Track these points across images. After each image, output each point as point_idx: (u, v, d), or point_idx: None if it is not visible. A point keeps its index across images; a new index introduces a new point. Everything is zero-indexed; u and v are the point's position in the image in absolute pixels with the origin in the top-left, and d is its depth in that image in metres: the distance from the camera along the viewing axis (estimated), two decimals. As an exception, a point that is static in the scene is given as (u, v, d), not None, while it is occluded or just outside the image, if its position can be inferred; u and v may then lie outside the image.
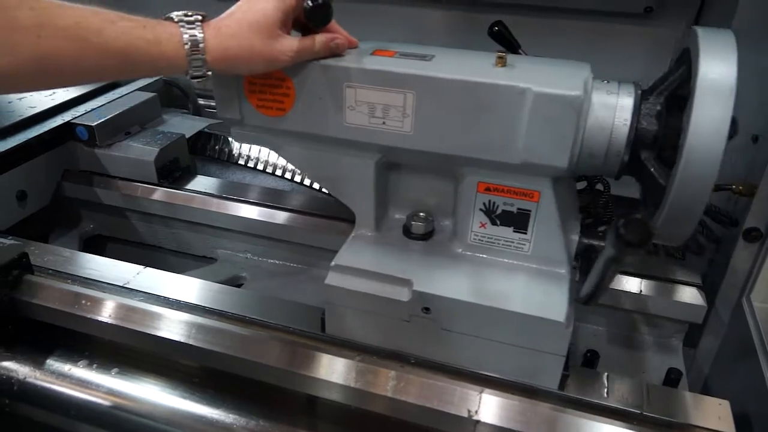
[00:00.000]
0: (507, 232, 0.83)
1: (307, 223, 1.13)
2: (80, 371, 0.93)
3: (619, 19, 1.28)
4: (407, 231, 0.89)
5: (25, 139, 1.17)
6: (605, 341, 1.06)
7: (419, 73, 0.74)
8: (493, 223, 0.83)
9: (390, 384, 0.76)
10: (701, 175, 0.66)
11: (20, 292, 0.93)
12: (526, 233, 0.82)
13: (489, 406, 0.73)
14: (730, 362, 0.99)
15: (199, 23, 0.68)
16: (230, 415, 0.85)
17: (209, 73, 0.70)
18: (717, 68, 0.65)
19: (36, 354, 0.95)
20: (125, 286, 0.95)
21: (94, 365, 0.93)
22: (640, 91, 0.73)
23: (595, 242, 0.86)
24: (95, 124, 1.21)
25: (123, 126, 1.28)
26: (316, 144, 0.84)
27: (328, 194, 1.19)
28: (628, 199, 1.04)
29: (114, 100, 1.34)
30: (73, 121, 1.23)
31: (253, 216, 1.18)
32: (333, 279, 0.83)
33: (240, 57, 0.71)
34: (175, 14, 0.69)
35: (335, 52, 0.77)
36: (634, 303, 1.02)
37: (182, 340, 0.85)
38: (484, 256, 0.85)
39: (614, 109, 0.72)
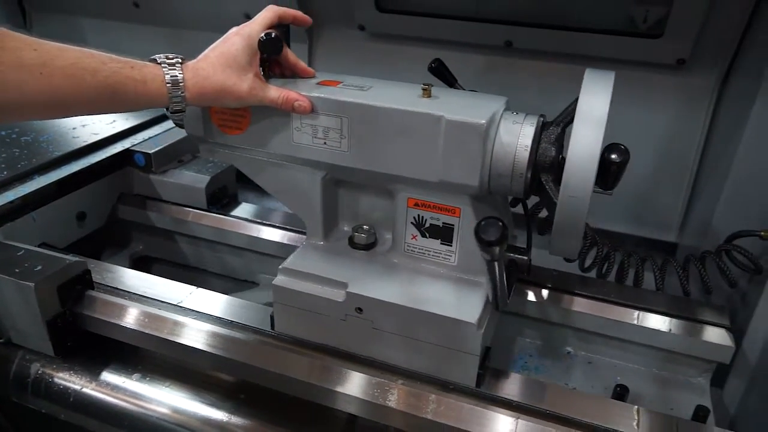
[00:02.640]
0: (435, 244, 0.93)
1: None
2: (134, 384, 0.99)
3: (653, 70, 1.33)
4: (351, 241, 1.00)
5: (87, 164, 1.25)
6: (635, 377, 1.09)
7: (353, 101, 0.86)
8: (423, 236, 0.93)
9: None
10: (578, 192, 0.75)
11: (81, 306, 0.99)
12: (451, 245, 0.92)
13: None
14: (758, 403, 1.01)
15: (179, 64, 0.81)
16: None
17: (185, 108, 0.82)
18: (591, 102, 0.76)
19: (92, 366, 1.02)
20: (179, 305, 1.00)
21: (147, 378, 0.99)
22: (542, 122, 0.84)
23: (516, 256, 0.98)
24: (153, 151, 1.31)
25: (176, 154, 1.38)
26: (270, 160, 0.96)
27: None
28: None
29: (168, 129, 1.43)
30: (131, 148, 1.31)
31: (288, 242, 1.26)
32: (280, 281, 0.95)
33: (213, 95, 0.83)
34: (158, 57, 0.81)
35: (295, 111, 0.87)
36: (663, 341, 1.05)
37: (232, 357, 0.92)
38: (417, 265, 0.95)
39: (517, 136, 0.82)
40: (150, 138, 1.41)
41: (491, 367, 0.94)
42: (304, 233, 1.25)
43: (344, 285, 0.91)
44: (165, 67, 0.79)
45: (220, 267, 1.38)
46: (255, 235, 1.29)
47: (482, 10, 1.45)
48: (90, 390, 1.01)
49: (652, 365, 1.11)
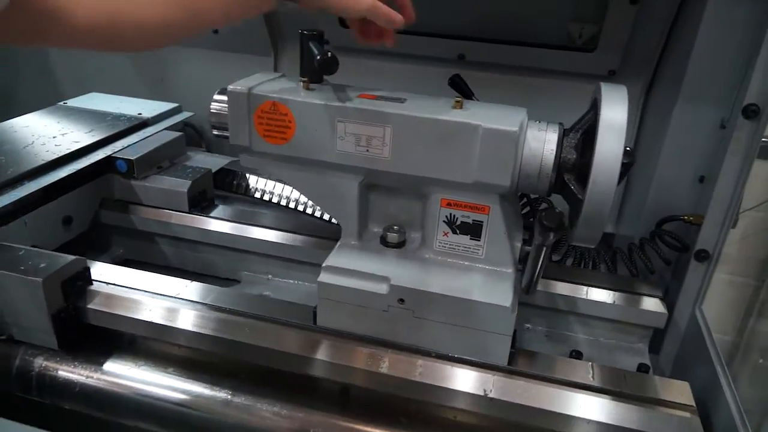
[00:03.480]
0: (465, 239, 1.05)
1: (322, 246, 1.28)
2: (136, 372, 1.07)
3: (587, 80, 1.51)
4: (384, 240, 1.11)
5: (72, 171, 1.31)
6: (586, 345, 1.25)
7: (396, 112, 0.97)
8: (454, 233, 1.05)
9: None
10: (604, 189, 0.89)
11: (83, 300, 1.07)
12: (479, 240, 1.05)
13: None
14: (688, 363, 1.18)
15: None
16: (273, 407, 1.01)
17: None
18: (613, 113, 0.90)
19: (95, 357, 1.09)
20: (177, 297, 1.08)
21: (149, 366, 1.06)
22: (563, 129, 0.98)
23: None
24: (134, 158, 1.39)
25: (156, 161, 1.46)
26: (311, 168, 1.07)
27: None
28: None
29: (146, 138, 1.51)
30: (113, 155, 1.37)
31: (273, 239, 1.35)
32: (325, 277, 1.05)
33: None
34: None
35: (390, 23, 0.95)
36: (607, 312, 1.21)
37: (233, 339, 1.03)
38: (448, 259, 1.07)
39: (543, 141, 0.96)
40: (129, 146, 1.47)
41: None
42: (285, 231, 1.37)
43: (387, 279, 1.01)
44: None
45: (202, 266, 1.45)
46: (236, 233, 1.38)
47: (436, 25, 1.61)
48: (94, 381, 1.07)
49: (600, 335, 1.27)
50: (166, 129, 1.61)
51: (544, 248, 0.92)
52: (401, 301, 1.02)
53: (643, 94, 1.54)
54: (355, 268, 1.04)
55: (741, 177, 1.12)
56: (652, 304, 1.21)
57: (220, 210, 1.46)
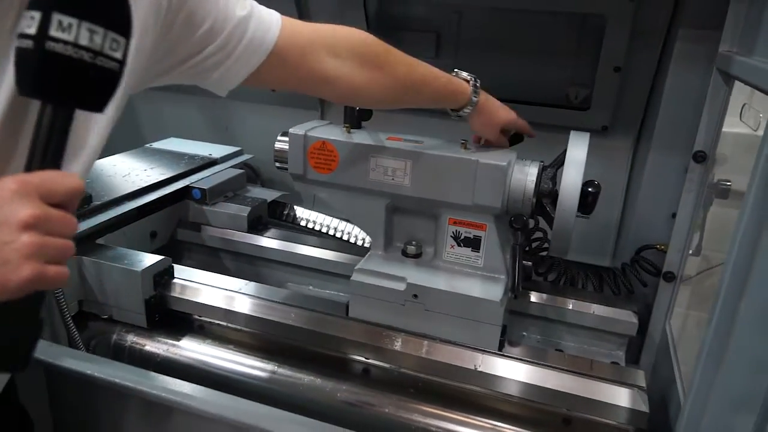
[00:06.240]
0: (467, 251, 1.33)
1: (353, 261, 1.57)
2: (204, 347, 1.36)
3: None
4: (404, 252, 1.40)
5: (158, 196, 1.65)
6: (572, 351, 1.48)
7: (415, 150, 1.29)
8: (458, 245, 1.34)
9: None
10: (568, 208, 1.18)
11: (168, 290, 1.38)
12: (479, 252, 1.33)
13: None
14: (659, 370, 1.40)
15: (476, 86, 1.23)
16: (309, 377, 1.29)
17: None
18: (575, 152, 1.20)
19: (173, 335, 1.38)
20: (239, 291, 1.38)
21: (216, 342, 1.34)
22: (542, 165, 1.28)
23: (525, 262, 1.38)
24: (207, 187, 1.72)
25: (223, 191, 1.80)
26: (349, 192, 1.37)
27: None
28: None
29: (215, 173, 1.85)
30: (190, 185, 1.71)
31: (314, 255, 1.66)
32: (356, 277, 1.34)
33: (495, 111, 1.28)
34: (464, 74, 1.23)
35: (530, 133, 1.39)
36: (588, 321, 1.45)
37: (284, 322, 1.33)
38: (454, 267, 1.35)
39: (526, 174, 1.25)
40: (202, 179, 1.82)
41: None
42: (324, 249, 1.67)
43: (404, 279, 1.30)
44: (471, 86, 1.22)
45: (256, 278, 1.76)
46: (284, 249, 1.69)
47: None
48: (171, 353, 1.38)
49: (584, 342, 1.51)
50: (230, 167, 1.96)
51: (517, 247, 1.21)
52: (415, 296, 1.30)
53: (633, 146, 1.82)
54: (381, 270, 1.34)
55: (696, 210, 1.37)
56: (625, 315, 1.45)
57: (272, 232, 1.78)
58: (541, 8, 1.74)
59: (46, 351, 1.12)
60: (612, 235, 1.90)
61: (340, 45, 1.01)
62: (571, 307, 1.47)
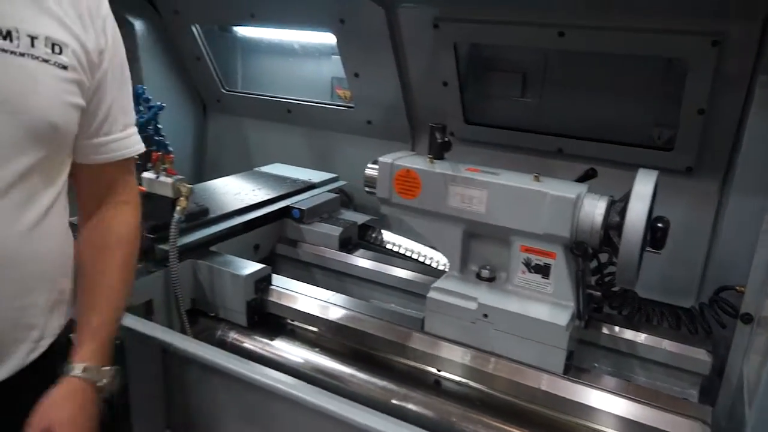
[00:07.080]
0: (537, 277, 1.42)
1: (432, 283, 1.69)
2: (294, 348, 1.51)
3: (668, 174, 1.72)
4: (478, 276, 1.50)
5: (262, 213, 1.86)
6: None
7: (491, 180, 1.40)
8: (529, 272, 1.42)
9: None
10: (632, 240, 1.24)
11: (267, 295, 1.56)
12: (548, 279, 1.40)
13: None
14: (734, 414, 1.39)
15: None
16: (382, 382, 1.40)
17: None
18: (641, 187, 1.26)
19: (268, 335, 1.56)
20: (328, 301, 1.54)
21: (304, 344, 1.50)
22: (612, 200, 1.34)
23: (593, 291, 1.45)
24: (306, 208, 1.91)
25: (319, 212, 1.99)
26: (430, 217, 1.50)
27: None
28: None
29: (313, 196, 2.05)
30: (290, 205, 1.91)
31: (398, 275, 1.78)
32: (432, 295, 1.46)
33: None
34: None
35: None
36: (659, 356, 1.47)
37: (365, 331, 1.47)
38: (524, 291, 1.44)
39: (595, 207, 1.32)
40: (301, 200, 2.02)
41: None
42: (406, 270, 1.80)
43: (476, 299, 1.42)
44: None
45: (342, 291, 1.91)
46: (371, 268, 1.85)
47: (539, 123, 2.03)
48: (266, 351, 1.56)
49: (657, 378, 1.52)
50: (327, 191, 2.17)
51: (580, 273, 1.27)
52: (485, 316, 1.40)
53: (719, 188, 1.81)
54: (455, 290, 1.45)
55: (774, 251, 1.37)
56: (698, 353, 1.45)
57: (360, 252, 1.95)
58: (625, 52, 1.81)
59: (168, 336, 1.29)
60: (696, 276, 1.89)
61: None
62: (642, 340, 1.50)
